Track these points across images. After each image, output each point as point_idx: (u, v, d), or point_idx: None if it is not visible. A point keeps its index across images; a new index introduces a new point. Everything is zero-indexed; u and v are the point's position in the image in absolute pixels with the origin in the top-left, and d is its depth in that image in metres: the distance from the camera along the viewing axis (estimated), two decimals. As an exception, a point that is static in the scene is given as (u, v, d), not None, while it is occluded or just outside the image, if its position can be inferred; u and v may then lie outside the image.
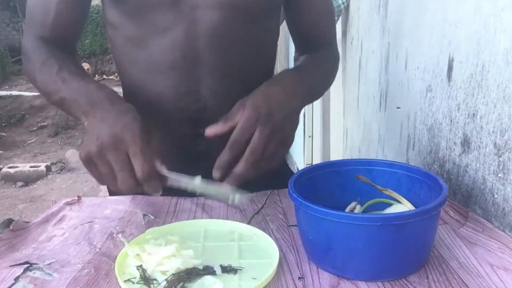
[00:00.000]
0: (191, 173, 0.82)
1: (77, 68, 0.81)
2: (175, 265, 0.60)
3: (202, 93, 0.80)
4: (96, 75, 8.80)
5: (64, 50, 0.85)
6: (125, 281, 0.59)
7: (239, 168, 0.69)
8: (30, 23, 0.86)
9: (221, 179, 0.69)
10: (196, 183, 0.67)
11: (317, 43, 0.93)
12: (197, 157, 0.85)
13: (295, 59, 0.96)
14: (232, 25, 0.78)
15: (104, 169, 0.65)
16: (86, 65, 8.34)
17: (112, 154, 0.64)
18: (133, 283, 0.59)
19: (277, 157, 0.73)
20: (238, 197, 0.67)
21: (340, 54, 1.80)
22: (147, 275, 0.59)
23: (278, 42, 0.95)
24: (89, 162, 0.66)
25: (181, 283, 0.57)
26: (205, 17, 0.76)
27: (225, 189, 0.69)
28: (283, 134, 0.73)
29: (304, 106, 0.82)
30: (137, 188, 0.65)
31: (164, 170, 0.66)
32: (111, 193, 0.97)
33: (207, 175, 0.88)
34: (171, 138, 0.83)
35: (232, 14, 0.77)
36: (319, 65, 0.89)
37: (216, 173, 0.69)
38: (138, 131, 0.65)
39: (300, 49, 0.96)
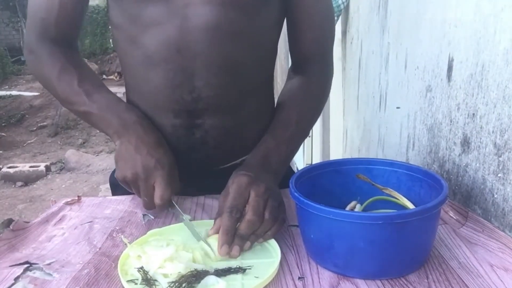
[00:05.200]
0: (187, 162, 0.87)
1: (95, 77, 0.89)
2: (176, 269, 0.60)
3: (197, 84, 0.82)
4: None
5: (71, 51, 0.88)
6: (128, 281, 0.59)
7: (242, 227, 0.67)
8: (32, 21, 0.87)
9: (228, 243, 0.65)
10: (186, 219, 0.74)
11: (312, 58, 0.92)
12: (193, 146, 0.87)
13: (288, 77, 0.95)
14: (224, 20, 0.79)
15: (135, 190, 0.80)
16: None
17: (142, 183, 0.77)
18: (136, 283, 0.59)
19: (279, 218, 0.70)
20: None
21: (340, 54, 1.82)
22: (148, 277, 0.59)
23: (278, 42, 0.95)
24: (124, 183, 0.80)
25: (184, 284, 0.57)
26: (197, 12, 0.78)
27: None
28: (278, 195, 0.73)
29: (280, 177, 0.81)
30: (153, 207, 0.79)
31: (173, 201, 0.78)
32: (114, 193, 0.97)
33: (202, 165, 0.88)
34: (168, 128, 0.85)
35: (223, 9, 0.79)
36: (301, 118, 0.87)
37: (222, 240, 0.65)
38: (167, 167, 0.78)
39: (294, 59, 0.95)
